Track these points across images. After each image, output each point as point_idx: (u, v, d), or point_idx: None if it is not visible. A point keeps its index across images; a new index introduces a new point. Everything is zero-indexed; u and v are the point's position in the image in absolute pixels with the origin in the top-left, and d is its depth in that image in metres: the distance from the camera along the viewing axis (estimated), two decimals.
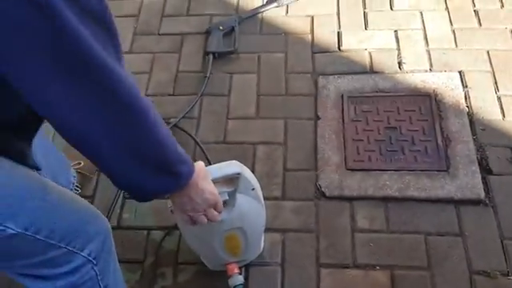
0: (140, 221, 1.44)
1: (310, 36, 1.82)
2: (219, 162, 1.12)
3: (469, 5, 1.82)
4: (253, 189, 1.13)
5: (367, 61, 1.72)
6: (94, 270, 0.94)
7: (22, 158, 0.86)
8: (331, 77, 1.70)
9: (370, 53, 1.74)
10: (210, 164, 1.29)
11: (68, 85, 0.66)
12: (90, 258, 0.92)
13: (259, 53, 1.79)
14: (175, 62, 1.79)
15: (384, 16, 1.83)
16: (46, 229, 0.83)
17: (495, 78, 1.62)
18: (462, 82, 1.62)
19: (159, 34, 1.88)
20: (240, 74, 1.75)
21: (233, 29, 1.85)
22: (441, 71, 1.66)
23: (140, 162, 0.77)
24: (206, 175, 0.94)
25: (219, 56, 1.78)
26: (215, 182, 1.07)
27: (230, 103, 1.67)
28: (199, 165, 0.91)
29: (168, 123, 1.61)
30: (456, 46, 1.72)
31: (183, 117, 1.62)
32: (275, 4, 1.90)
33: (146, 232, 1.42)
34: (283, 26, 1.86)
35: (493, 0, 1.82)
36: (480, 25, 1.76)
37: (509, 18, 1.76)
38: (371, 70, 1.70)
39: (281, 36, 1.83)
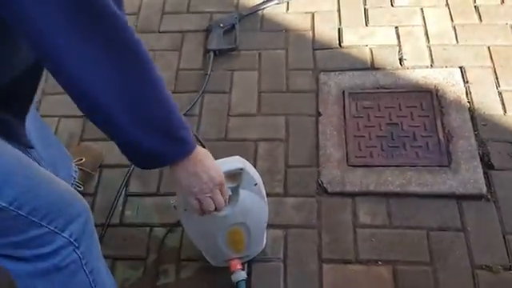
0: (142, 218, 1.44)
1: (310, 33, 1.82)
2: (221, 158, 1.12)
3: (469, 1, 1.82)
4: (255, 184, 1.13)
5: (368, 57, 1.73)
6: (77, 253, 0.94)
7: (15, 134, 0.86)
8: (332, 73, 1.70)
9: (370, 49, 1.74)
10: None
11: (78, 34, 0.67)
12: (71, 240, 0.92)
13: (260, 50, 1.79)
14: (176, 60, 1.79)
15: (384, 12, 1.83)
16: (28, 205, 0.83)
17: (496, 74, 1.62)
18: (463, 77, 1.63)
19: (159, 32, 1.89)
20: (241, 71, 1.75)
21: (233, 26, 1.85)
22: (442, 67, 1.66)
23: (146, 123, 0.78)
24: (209, 154, 0.94)
25: (220, 53, 1.78)
26: None
27: (231, 100, 1.67)
28: (199, 147, 0.91)
29: None
30: (457, 41, 1.72)
31: (184, 114, 1.62)
32: (276, 1, 1.90)
33: (148, 229, 1.42)
34: (284, 22, 1.86)
35: None
36: (481, 20, 1.77)
37: (509, 14, 1.76)
38: (372, 67, 1.70)
39: (281, 33, 1.83)
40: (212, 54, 1.77)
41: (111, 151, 1.11)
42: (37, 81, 0.92)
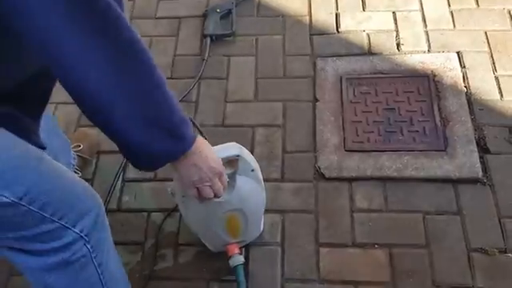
0: (140, 203, 1.45)
1: (307, 18, 1.81)
2: (218, 145, 1.12)
3: None
4: (252, 170, 1.14)
5: (365, 42, 1.72)
6: (87, 247, 0.94)
7: (29, 135, 0.86)
8: (329, 59, 1.69)
9: (368, 34, 1.74)
10: None
11: (83, 38, 0.68)
12: (81, 235, 0.92)
13: (257, 35, 1.78)
14: (173, 46, 1.78)
15: None
16: (39, 200, 0.83)
17: (493, 59, 1.62)
18: (460, 62, 1.62)
19: (156, 18, 1.87)
20: (238, 56, 1.74)
21: (230, 11, 1.83)
22: (439, 52, 1.66)
23: (150, 124, 0.79)
24: (208, 144, 0.94)
25: (217, 39, 1.77)
26: None
27: (228, 86, 1.67)
28: (199, 136, 0.91)
29: None
30: (454, 26, 1.71)
31: (181, 100, 1.61)
32: None
33: (146, 214, 1.42)
34: (281, 8, 1.85)
35: None
36: (478, 5, 1.76)
37: None
38: (369, 52, 1.69)
39: (278, 18, 1.82)
40: (209, 39, 1.76)
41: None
42: (48, 84, 0.90)
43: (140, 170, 0.89)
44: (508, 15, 1.72)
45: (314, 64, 1.69)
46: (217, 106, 1.62)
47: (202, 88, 1.67)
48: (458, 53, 1.64)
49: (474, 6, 1.76)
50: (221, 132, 1.56)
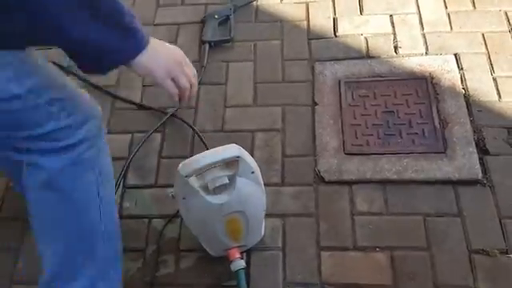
0: (141, 210, 1.44)
1: (305, 23, 1.81)
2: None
3: None
4: (252, 172, 1.14)
5: (363, 46, 1.72)
6: (90, 152, 0.97)
7: None
8: (328, 63, 1.70)
9: (365, 38, 1.74)
10: None
11: None
12: (86, 137, 0.95)
13: (255, 41, 1.79)
14: None
15: (379, 1, 1.83)
16: (47, 95, 0.87)
17: (490, 60, 1.62)
18: (457, 64, 1.63)
19: (154, 25, 1.88)
20: (236, 62, 1.74)
21: (228, 17, 1.84)
22: (436, 54, 1.66)
23: (95, 16, 0.76)
24: (161, 41, 0.93)
25: (215, 45, 1.78)
26: (215, 166, 1.07)
27: (227, 92, 1.67)
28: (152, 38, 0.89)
29: (165, 113, 1.61)
30: (451, 28, 1.72)
31: (180, 107, 1.62)
32: None
33: (147, 221, 1.42)
34: (278, 13, 1.86)
35: None
36: (474, 7, 1.76)
37: (503, 0, 1.76)
38: (367, 55, 1.70)
39: (276, 23, 1.83)
40: (207, 45, 1.77)
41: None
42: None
43: (85, 72, 0.86)
44: (505, 16, 1.72)
45: (313, 68, 1.69)
46: (216, 111, 1.62)
47: (201, 94, 1.67)
48: (455, 55, 1.65)
49: (471, 7, 1.76)
50: (220, 137, 1.56)
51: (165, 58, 0.92)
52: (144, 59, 0.86)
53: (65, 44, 0.79)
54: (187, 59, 0.99)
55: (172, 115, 1.61)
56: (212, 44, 1.77)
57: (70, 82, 0.99)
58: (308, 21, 1.82)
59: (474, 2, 1.77)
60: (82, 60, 0.83)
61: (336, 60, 1.70)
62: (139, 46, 0.86)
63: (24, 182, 0.99)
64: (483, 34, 1.68)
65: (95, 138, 0.98)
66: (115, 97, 1.69)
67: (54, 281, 1.05)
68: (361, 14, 1.80)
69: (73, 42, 0.78)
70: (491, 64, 1.61)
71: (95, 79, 1.71)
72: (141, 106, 1.66)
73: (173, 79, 0.95)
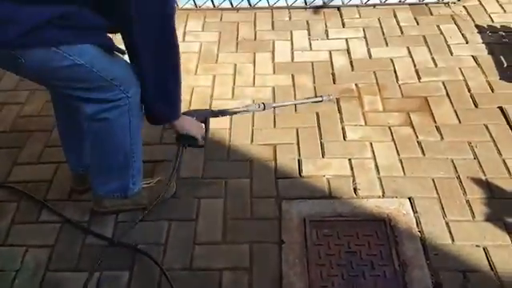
0: None
1: (273, 163, 1.89)
2: None
3: (412, 137, 1.96)
4: None
5: (326, 186, 1.79)
6: (127, 103, 1.42)
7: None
8: (294, 201, 1.74)
9: (328, 179, 1.81)
10: None
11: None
12: (125, 93, 1.40)
13: (226, 178, 1.83)
14: None
15: (338, 146, 1.94)
16: (98, 65, 1.32)
17: (442, 204, 1.70)
18: (412, 208, 1.69)
19: None
20: (207, 198, 1.76)
21: (206, 120, 1.80)
22: (392, 197, 1.73)
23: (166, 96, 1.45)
24: (186, 117, 1.63)
25: (189, 146, 1.71)
26: None
27: (197, 228, 1.66)
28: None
29: (137, 250, 1.59)
30: (404, 174, 1.82)
31: (149, 243, 1.59)
32: (245, 108, 2.04)
33: None
34: (249, 153, 1.94)
35: (433, 133, 1.97)
36: (424, 154, 1.89)
37: (448, 149, 1.90)
38: (330, 195, 1.75)
39: (246, 162, 1.90)
40: (182, 147, 1.72)
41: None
42: None
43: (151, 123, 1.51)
44: (451, 164, 1.84)
45: (280, 206, 1.72)
46: (185, 248, 1.60)
47: (172, 230, 1.66)
48: (409, 198, 1.72)
49: (421, 155, 1.89)
50: (187, 276, 1.52)
51: (193, 123, 1.67)
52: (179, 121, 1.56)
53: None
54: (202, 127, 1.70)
55: (142, 252, 1.57)
56: (186, 146, 1.71)
57: (122, 59, 1.40)
58: (275, 161, 1.90)
59: (423, 150, 1.90)
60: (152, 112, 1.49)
61: (301, 199, 1.75)
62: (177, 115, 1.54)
63: (81, 114, 1.45)
64: (433, 180, 1.78)
65: (133, 97, 1.42)
66: (87, 232, 1.65)
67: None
68: (323, 156, 1.90)
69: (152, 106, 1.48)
70: (443, 208, 1.68)
71: (70, 214, 1.69)
72: (112, 242, 1.62)
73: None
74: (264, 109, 2.07)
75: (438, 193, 1.74)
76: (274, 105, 2.10)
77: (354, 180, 1.80)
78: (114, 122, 1.45)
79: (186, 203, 1.74)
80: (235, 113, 2.05)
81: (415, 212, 1.68)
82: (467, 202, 1.70)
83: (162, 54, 1.34)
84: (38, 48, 1.21)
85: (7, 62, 1.26)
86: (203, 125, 1.69)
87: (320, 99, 2.13)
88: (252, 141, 1.99)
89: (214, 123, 1.96)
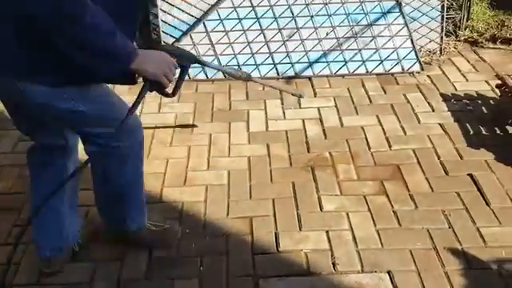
0: None
1: (249, 237, 1.83)
2: None
3: (387, 206, 1.95)
4: None
5: (304, 262, 1.73)
6: (126, 150, 1.54)
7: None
8: (271, 279, 1.67)
9: (305, 253, 1.76)
10: None
11: None
12: (124, 145, 1.52)
13: (201, 256, 1.76)
14: None
15: (315, 217, 1.91)
16: (96, 110, 1.42)
17: (421, 277, 1.66)
18: (392, 282, 1.64)
19: None
20: (182, 279, 1.67)
21: (185, 66, 1.52)
22: (371, 272, 1.68)
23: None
24: (149, 52, 1.38)
25: (158, 93, 1.46)
26: None
27: None
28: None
29: None
30: (382, 245, 1.78)
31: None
32: (229, 70, 1.94)
33: None
34: (225, 227, 1.88)
35: (407, 202, 1.97)
36: (400, 225, 1.87)
37: (423, 219, 1.89)
38: (309, 271, 1.69)
39: (222, 237, 1.83)
40: (146, 89, 1.38)
41: None
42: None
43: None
44: (427, 234, 1.82)
45: (257, 285, 1.65)
46: None
47: None
48: (388, 272, 1.67)
49: (397, 225, 1.87)
50: None
51: (156, 60, 1.36)
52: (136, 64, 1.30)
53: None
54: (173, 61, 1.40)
55: None
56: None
57: (125, 106, 1.46)
58: (252, 235, 1.84)
59: (398, 220, 1.88)
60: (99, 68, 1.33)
61: (279, 276, 1.68)
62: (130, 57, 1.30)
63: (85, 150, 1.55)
64: (411, 251, 1.75)
65: (133, 146, 1.56)
66: None
67: None
68: (300, 229, 1.86)
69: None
70: (422, 282, 1.64)
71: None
72: None
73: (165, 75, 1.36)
74: (247, 79, 1.92)
75: (416, 265, 1.70)
76: (255, 79, 2.04)
77: (332, 254, 1.75)
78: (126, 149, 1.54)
79: (159, 285, 1.65)
80: (219, 70, 2.00)
81: (395, 287, 1.63)
82: (445, 273, 1.67)
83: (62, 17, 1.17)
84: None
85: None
86: (175, 61, 1.37)
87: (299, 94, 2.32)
88: (228, 214, 1.94)
89: (189, 196, 1.92)
